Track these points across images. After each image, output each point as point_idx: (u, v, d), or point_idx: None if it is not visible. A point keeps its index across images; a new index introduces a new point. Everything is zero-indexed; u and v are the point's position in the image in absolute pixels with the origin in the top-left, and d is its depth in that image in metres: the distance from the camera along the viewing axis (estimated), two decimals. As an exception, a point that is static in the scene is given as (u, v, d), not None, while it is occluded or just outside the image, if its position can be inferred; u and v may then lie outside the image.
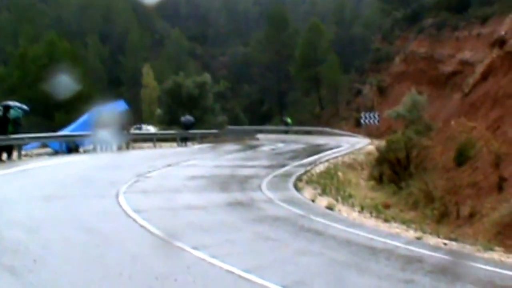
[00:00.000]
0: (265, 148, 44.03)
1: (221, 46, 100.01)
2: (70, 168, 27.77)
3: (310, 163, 33.31)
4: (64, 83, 39.04)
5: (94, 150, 38.10)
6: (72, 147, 36.49)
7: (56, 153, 34.95)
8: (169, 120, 59.92)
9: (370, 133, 57.02)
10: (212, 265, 10.54)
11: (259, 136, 57.38)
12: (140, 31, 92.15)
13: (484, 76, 28.66)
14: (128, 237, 13.10)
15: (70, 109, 47.43)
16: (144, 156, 35.94)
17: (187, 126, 50.08)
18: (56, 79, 39.27)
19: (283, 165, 31.77)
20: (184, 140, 48.27)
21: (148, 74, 76.79)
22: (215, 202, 19.18)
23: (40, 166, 27.34)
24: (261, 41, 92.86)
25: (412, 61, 63.76)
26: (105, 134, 37.71)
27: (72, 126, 39.96)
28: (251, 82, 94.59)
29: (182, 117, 52.23)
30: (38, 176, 24.04)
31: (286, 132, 69.50)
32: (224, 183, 24.00)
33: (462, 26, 56.09)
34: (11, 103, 30.10)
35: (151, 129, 57.79)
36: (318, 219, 17.45)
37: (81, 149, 37.53)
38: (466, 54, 47.64)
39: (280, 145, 48.08)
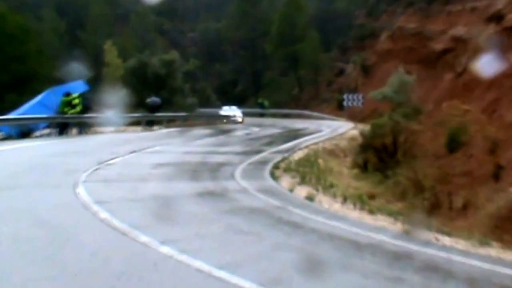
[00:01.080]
0: (239, 133, 44.02)
1: (191, 21, 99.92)
2: (22, 155, 27.60)
3: (288, 150, 33.40)
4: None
5: (49, 134, 37.85)
6: (24, 131, 36.22)
7: (6, 138, 34.70)
8: (134, 102, 59.71)
9: (354, 117, 57.26)
10: (181, 262, 10.44)
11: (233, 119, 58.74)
12: (102, 3, 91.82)
13: (476, 54, 28.69)
14: (87, 232, 12.96)
15: (23, 89, 47.18)
16: (106, 141, 35.78)
17: (153, 108, 50.05)
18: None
19: (259, 152, 31.81)
20: (149, 123, 48.16)
21: (110, 52, 76.45)
22: (184, 192, 19.11)
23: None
24: (234, 16, 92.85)
25: (399, 38, 63.98)
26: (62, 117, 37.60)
27: (25, 107, 39.67)
28: (224, 61, 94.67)
29: (148, 98, 52.10)
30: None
31: (261, 115, 70.28)
32: (194, 171, 23.95)
33: (454, 0, 56.17)
34: None
35: (236, 110, 72.61)
36: (297, 210, 17.41)
37: (35, 134, 37.26)
38: (459, 30, 47.70)
39: (256, 129, 48.18)
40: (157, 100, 51.60)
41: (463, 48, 32.78)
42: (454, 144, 22.96)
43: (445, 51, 49.16)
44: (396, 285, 10.65)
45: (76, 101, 38.43)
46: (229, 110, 72.20)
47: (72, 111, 38.29)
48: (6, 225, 12.87)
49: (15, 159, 25.91)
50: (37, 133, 37.50)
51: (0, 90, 47.31)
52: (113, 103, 41.86)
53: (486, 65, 26.23)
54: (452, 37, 49.46)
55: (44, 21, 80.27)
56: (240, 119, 65.73)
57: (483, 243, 14.61)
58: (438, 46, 52.62)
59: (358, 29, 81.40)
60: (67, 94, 38.80)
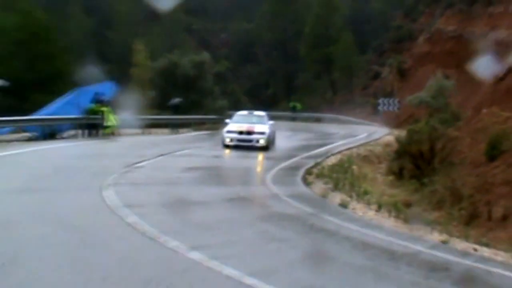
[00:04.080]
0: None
1: (222, 22, 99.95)
2: (48, 157, 27.73)
3: (321, 155, 33.37)
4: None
5: (76, 136, 38.03)
6: (50, 132, 36.33)
7: (31, 139, 34.85)
8: (162, 103, 59.72)
9: (389, 122, 57.05)
10: (211, 269, 10.47)
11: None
12: (131, 2, 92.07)
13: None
14: (115, 237, 13.02)
15: (48, 89, 47.28)
16: (133, 143, 35.96)
17: (173, 109, 49.99)
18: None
19: (291, 157, 31.78)
20: (175, 126, 48.27)
21: (139, 52, 76.68)
22: (214, 197, 19.17)
23: (15, 154, 27.27)
24: (267, 16, 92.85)
25: (438, 40, 63.64)
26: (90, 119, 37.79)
27: (52, 107, 39.78)
28: (255, 62, 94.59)
29: (171, 100, 52.20)
30: (11, 166, 24.00)
31: (293, 119, 69.44)
32: (224, 175, 24.00)
33: (497, 1, 55.78)
34: None
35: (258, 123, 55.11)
36: (330, 218, 17.41)
37: (62, 135, 37.41)
38: (502, 33, 47.39)
39: (288, 133, 48.07)
40: (176, 100, 51.57)
41: (505, 51, 32.52)
42: (494, 151, 22.83)
43: (474, 53, 48.86)
44: (434, 296, 10.63)
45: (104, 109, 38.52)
46: (243, 120, 37.49)
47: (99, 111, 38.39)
48: (33, 229, 12.95)
49: (41, 161, 26.04)
50: (65, 134, 37.65)
51: (25, 89, 47.32)
52: (138, 105, 42.03)
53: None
54: (493, 40, 49.15)
55: (70, 19, 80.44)
56: (262, 141, 34.81)
57: (523, 254, 14.56)
58: (479, 49, 52.30)
59: (394, 31, 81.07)
60: (98, 101, 38.87)
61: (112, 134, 39.43)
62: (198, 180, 22.71)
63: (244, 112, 39.92)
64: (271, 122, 37.95)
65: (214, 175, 23.94)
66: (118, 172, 21.84)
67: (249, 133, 35.13)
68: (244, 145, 33.96)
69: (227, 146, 33.96)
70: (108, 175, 20.60)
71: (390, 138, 37.28)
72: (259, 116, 38.87)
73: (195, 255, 11.11)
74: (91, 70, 47.80)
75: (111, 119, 38.89)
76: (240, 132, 35.07)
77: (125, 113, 43.47)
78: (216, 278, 10.11)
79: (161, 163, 25.87)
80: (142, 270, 10.57)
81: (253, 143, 34.47)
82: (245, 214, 17.66)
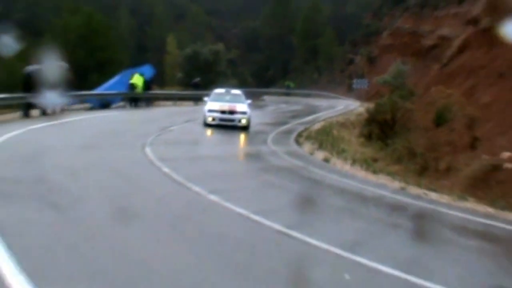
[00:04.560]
0: (270, 108, 43.82)
1: (234, 20, 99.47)
2: (103, 122, 27.68)
3: (308, 122, 33.31)
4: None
5: (124, 107, 38.00)
6: (105, 104, 36.47)
7: (91, 108, 34.93)
8: (187, 82, 59.72)
9: (360, 97, 56.79)
10: (226, 208, 10.48)
11: (265, 97, 57.27)
12: (164, 5, 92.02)
13: (460, 50, 28.56)
14: (153, 182, 13.06)
15: (103, 71, 47.64)
16: (166, 112, 35.82)
17: (194, 86, 49.64)
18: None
19: (285, 123, 31.75)
20: (196, 99, 48.16)
21: (171, 43, 76.56)
22: (228, 154, 19.15)
23: (78, 120, 27.25)
24: (268, 16, 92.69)
25: (398, 35, 63.46)
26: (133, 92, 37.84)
27: (106, 85, 40.06)
28: (259, 51, 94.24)
29: (193, 79, 52.00)
30: (76, 128, 24.00)
31: (287, 94, 69.35)
32: (235, 137, 23.97)
33: (441, 6, 56.02)
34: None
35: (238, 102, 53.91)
36: (316, 170, 17.41)
37: (113, 106, 37.40)
38: (445, 30, 47.25)
39: (283, 105, 48.02)
40: (197, 79, 51.34)
41: (448, 44, 32.47)
42: (440, 120, 22.79)
43: (433, 47, 48.69)
44: (394, 229, 10.63)
45: (138, 80, 38.38)
46: (222, 99, 29.06)
47: (137, 89, 38.35)
48: (91, 175, 12.99)
49: (98, 125, 26.02)
50: (114, 105, 37.61)
51: (86, 71, 47.72)
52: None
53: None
54: (439, 35, 49.01)
55: (120, 19, 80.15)
56: (244, 121, 27.35)
57: (462, 198, 14.54)
58: (428, 42, 52.16)
59: (365, 28, 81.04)
60: (134, 77, 38.85)
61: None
62: (216, 141, 22.76)
63: (221, 90, 30.37)
64: (248, 101, 28.94)
65: (227, 137, 23.88)
66: (154, 134, 21.79)
67: (232, 112, 27.08)
68: (226, 124, 26.34)
69: (208, 125, 26.33)
70: (147, 136, 20.57)
71: (361, 109, 37.10)
72: (236, 95, 29.77)
73: (213, 197, 11.09)
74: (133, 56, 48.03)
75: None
76: (223, 112, 26.99)
77: (158, 89, 43.48)
78: (230, 214, 10.13)
79: (187, 128, 25.82)
80: (174, 207, 10.63)
81: (235, 123, 26.75)
82: (251, 167, 17.68)
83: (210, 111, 26.81)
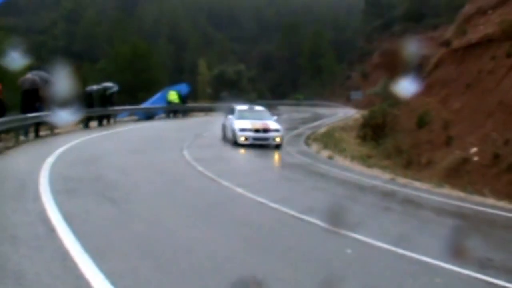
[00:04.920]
0: (284, 116, 43.81)
1: (252, 44, 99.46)
2: (148, 131, 27.86)
3: (315, 127, 33.32)
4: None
5: (165, 118, 38.16)
6: (150, 116, 36.70)
7: (138, 120, 35.15)
8: (216, 96, 59.89)
9: (357, 106, 56.66)
10: (250, 198, 10.56)
11: (280, 108, 57.22)
12: (196, 33, 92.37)
13: (436, 66, 28.54)
14: (190, 178, 13.20)
15: (147, 89, 47.92)
16: (199, 121, 35.96)
17: (222, 99, 49.47)
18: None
19: (297, 128, 31.76)
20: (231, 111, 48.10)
21: (202, 65, 76.67)
22: (251, 154, 19.19)
23: (128, 129, 27.45)
24: (280, 41, 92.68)
25: (385, 55, 63.47)
26: (172, 106, 38.04)
27: (150, 101, 40.31)
28: (273, 70, 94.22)
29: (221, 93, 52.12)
30: (127, 136, 24.17)
31: (297, 105, 69.26)
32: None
33: (419, 31, 56.31)
34: (109, 84, 30.29)
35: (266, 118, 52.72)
36: (322, 165, 17.45)
37: (156, 117, 37.57)
38: (424, 51, 47.31)
39: (295, 114, 47.94)
40: (224, 93, 51.36)
41: (426, 62, 32.46)
42: (421, 123, 22.75)
43: (409, 63, 48.75)
44: (386, 211, 10.64)
45: (173, 97, 38.43)
46: (249, 116, 22.42)
47: (174, 102, 38.47)
48: (140, 174, 13.16)
49: (143, 133, 26.22)
50: (157, 117, 37.77)
51: (133, 90, 48.07)
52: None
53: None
54: (415, 54, 49.09)
55: (160, 47, 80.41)
56: (278, 139, 21.29)
57: (439, 185, 14.52)
58: (409, 60, 52.21)
59: (359, 50, 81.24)
60: (170, 94, 39.00)
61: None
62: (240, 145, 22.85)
63: (244, 107, 23.99)
64: (275, 117, 23.66)
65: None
66: (190, 139, 21.90)
67: (266, 130, 21.18)
68: (260, 143, 20.79)
69: (240, 145, 20.54)
70: (184, 141, 20.70)
71: (357, 116, 37.05)
72: (262, 111, 23.91)
73: (240, 190, 11.17)
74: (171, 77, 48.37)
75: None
76: (256, 130, 21.03)
77: (192, 102, 43.69)
78: (253, 203, 10.20)
79: (217, 134, 25.85)
80: (208, 198, 10.72)
81: (270, 141, 20.99)
82: (268, 164, 17.72)
83: (242, 130, 20.77)
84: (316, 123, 36.54)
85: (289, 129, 29.79)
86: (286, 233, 8.22)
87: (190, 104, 44.45)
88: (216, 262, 6.28)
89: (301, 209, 9.44)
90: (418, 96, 24.20)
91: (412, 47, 55.09)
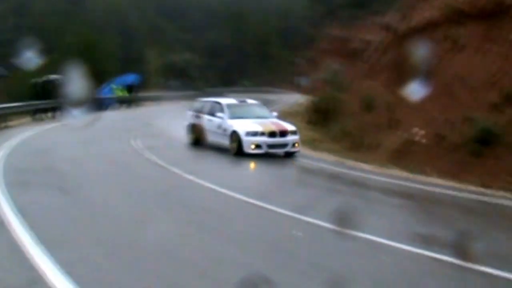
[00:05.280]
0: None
1: (201, 34, 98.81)
2: (99, 122, 27.38)
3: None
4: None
5: (115, 108, 37.75)
6: (101, 106, 36.35)
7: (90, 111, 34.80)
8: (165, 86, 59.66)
9: (304, 91, 57.02)
10: (199, 184, 10.57)
11: (228, 95, 56.99)
12: (146, 24, 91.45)
13: (381, 51, 28.90)
14: (140, 166, 13.20)
15: (99, 80, 47.36)
16: (149, 111, 35.64)
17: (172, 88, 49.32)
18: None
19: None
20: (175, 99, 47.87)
21: (151, 55, 75.88)
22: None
23: (78, 120, 26.98)
24: (229, 30, 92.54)
25: (332, 41, 64.15)
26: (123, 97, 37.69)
27: (104, 89, 40.02)
28: (221, 58, 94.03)
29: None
30: (77, 127, 23.79)
31: (246, 91, 69.17)
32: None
33: (365, 17, 57.00)
34: (53, 76, 29.84)
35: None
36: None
37: (109, 108, 37.16)
38: (366, 36, 47.97)
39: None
40: (173, 82, 51.30)
41: (369, 47, 32.91)
42: (366, 106, 23.03)
43: (358, 49, 49.33)
44: (334, 193, 10.76)
45: (120, 93, 38.39)
46: (245, 114, 16.76)
47: (122, 93, 38.32)
48: (91, 163, 13.10)
49: (94, 124, 25.80)
50: (110, 107, 37.35)
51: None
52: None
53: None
54: (360, 40, 49.74)
55: (109, 36, 79.03)
56: (297, 145, 15.81)
57: (385, 166, 14.74)
58: (354, 45, 52.83)
59: (307, 36, 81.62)
60: (120, 86, 38.83)
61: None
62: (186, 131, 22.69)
63: (233, 101, 18.70)
64: (275, 113, 18.59)
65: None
66: (139, 128, 21.72)
67: (283, 133, 15.56)
68: (275, 152, 15.53)
69: (247, 155, 14.97)
70: (133, 130, 20.53)
71: (304, 101, 37.27)
72: (257, 106, 18.88)
73: (190, 177, 11.16)
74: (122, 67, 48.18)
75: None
76: (271, 134, 15.29)
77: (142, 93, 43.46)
78: (203, 189, 10.22)
79: (165, 122, 25.59)
80: (158, 185, 10.73)
81: (288, 148, 15.53)
82: (216, 151, 17.66)
83: (249, 134, 15.09)
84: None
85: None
86: (236, 217, 8.26)
87: (142, 94, 44.13)
88: (168, 248, 6.29)
89: (250, 194, 9.46)
90: (364, 81, 24.50)
91: (358, 33, 55.91)
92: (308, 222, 7.66)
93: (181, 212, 8.40)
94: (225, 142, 15.69)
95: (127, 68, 59.99)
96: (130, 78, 41.21)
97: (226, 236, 6.98)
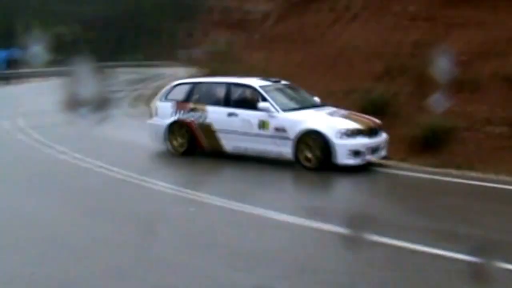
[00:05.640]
0: (125, 77, 42.67)
1: (91, 7, 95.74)
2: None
3: (157, 87, 32.68)
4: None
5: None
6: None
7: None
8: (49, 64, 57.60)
9: (195, 64, 56.75)
10: (71, 162, 10.32)
11: (119, 69, 55.80)
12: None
13: (277, 21, 28.96)
14: (17, 143, 12.77)
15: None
16: (31, 87, 34.33)
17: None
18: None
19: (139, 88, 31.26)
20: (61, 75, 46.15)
21: (36, 28, 72.67)
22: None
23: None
24: (118, 3, 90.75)
25: (226, 13, 64.48)
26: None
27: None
28: (112, 32, 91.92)
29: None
30: None
31: (138, 66, 67.79)
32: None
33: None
34: None
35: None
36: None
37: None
38: (252, 7, 48.56)
39: (134, 75, 47.09)
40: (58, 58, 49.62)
41: (260, 16, 33.17)
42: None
43: (248, 19, 49.57)
44: (222, 169, 10.36)
45: None
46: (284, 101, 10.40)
47: None
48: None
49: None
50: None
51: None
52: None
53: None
54: (257, 11, 50.07)
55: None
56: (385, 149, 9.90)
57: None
58: (250, 16, 53.03)
59: (198, 8, 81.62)
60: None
61: None
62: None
63: (267, 82, 10.93)
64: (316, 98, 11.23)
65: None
66: (19, 107, 20.54)
67: (376, 131, 9.78)
68: (369, 160, 9.44)
69: (337, 168, 9.31)
70: (13, 109, 19.44)
71: (196, 74, 36.96)
72: (299, 90, 11.66)
73: (62, 156, 10.90)
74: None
75: None
76: (371, 132, 9.58)
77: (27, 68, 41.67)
78: (76, 167, 9.96)
79: (48, 100, 24.07)
80: (38, 165, 10.41)
81: (380, 153, 9.74)
82: (100, 128, 16.65)
83: (344, 134, 9.34)
84: (157, 83, 35.84)
85: (131, 90, 29.21)
86: (119, 196, 8.06)
87: (24, 70, 42.07)
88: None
89: (132, 171, 9.15)
90: (257, 51, 24.32)
91: (248, 2, 55.98)
92: (201, 201, 7.40)
93: (54, 191, 7.90)
94: (282, 150, 9.91)
95: (9, 43, 57.26)
96: (10, 52, 39.15)
97: (104, 216, 6.44)
